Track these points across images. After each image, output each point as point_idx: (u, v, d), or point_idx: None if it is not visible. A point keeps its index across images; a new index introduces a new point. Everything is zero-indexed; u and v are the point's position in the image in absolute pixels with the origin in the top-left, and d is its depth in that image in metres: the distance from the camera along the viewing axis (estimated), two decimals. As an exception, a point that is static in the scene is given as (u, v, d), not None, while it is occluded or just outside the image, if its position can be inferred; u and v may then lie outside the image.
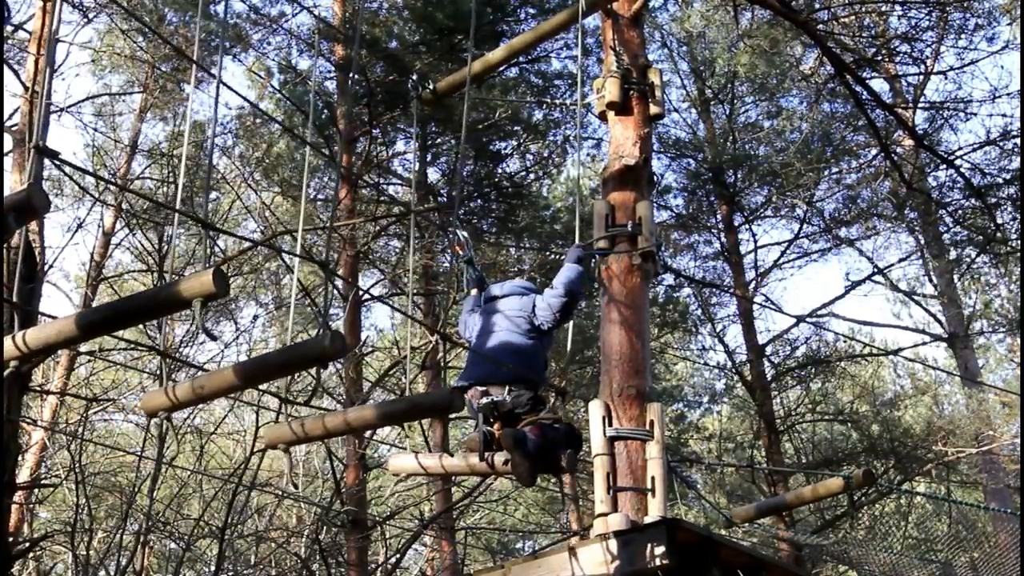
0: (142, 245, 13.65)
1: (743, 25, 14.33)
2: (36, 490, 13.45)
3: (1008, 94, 13.82)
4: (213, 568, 11.45)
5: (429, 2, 12.92)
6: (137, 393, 15.33)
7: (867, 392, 17.59)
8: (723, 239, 15.84)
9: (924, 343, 18.24)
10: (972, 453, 15.48)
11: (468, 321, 5.84)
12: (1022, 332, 17.75)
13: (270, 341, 17.32)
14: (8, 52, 11.86)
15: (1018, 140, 13.69)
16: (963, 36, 14.07)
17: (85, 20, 13.21)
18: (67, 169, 12.32)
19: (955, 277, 17.28)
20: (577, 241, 6.20)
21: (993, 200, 13.69)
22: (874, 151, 15.34)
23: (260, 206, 13.97)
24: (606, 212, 6.57)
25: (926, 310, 18.02)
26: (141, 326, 12.02)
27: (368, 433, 12.47)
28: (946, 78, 15.61)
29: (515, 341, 5.46)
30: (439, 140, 14.43)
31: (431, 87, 7.31)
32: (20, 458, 11.62)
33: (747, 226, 15.89)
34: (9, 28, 11.61)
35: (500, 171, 14.94)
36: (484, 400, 5.22)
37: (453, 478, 13.49)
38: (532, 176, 15.54)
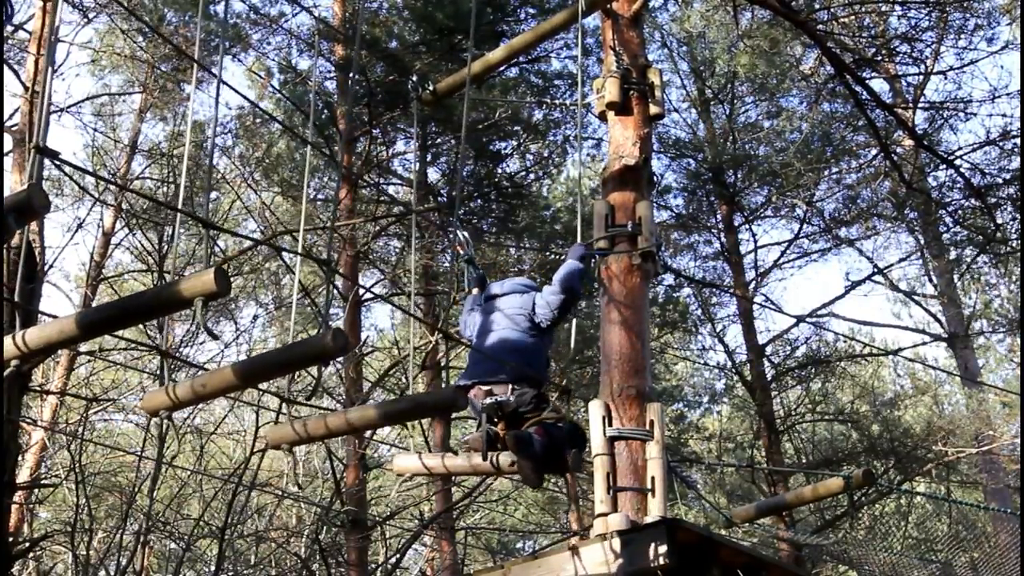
0: (142, 245, 13.66)
1: (743, 25, 14.32)
2: (36, 490, 13.46)
3: (1008, 94, 13.83)
4: (213, 568, 11.46)
5: (429, 2, 12.93)
6: (137, 393, 15.33)
7: (867, 392, 17.59)
8: (723, 239, 15.84)
9: (924, 343, 18.25)
10: (972, 453, 15.48)
11: (469, 320, 5.83)
12: (1022, 332, 17.75)
13: (270, 341, 17.33)
14: (8, 52, 11.86)
15: (1018, 140, 13.69)
16: (963, 36, 14.07)
17: (85, 20, 13.23)
18: (67, 169, 12.33)
19: (955, 277, 17.28)
20: (579, 241, 6.19)
21: (993, 200, 13.69)
22: (874, 151, 15.34)
23: (260, 206, 13.97)
24: (606, 212, 6.58)
25: (926, 310, 18.03)
26: (141, 326, 12.02)
27: (368, 433, 12.47)
28: (946, 78, 15.60)
29: (516, 339, 5.44)
30: (439, 140, 14.44)
31: (431, 88, 7.31)
32: (20, 458, 11.62)
33: (747, 226, 15.89)
34: (9, 28, 11.61)
35: (500, 171, 14.94)
36: (488, 400, 5.18)
37: (453, 478, 13.50)
38: (532, 176, 15.54)
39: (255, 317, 15.98)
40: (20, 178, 7.84)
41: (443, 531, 14.00)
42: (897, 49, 14.63)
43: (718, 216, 16.10)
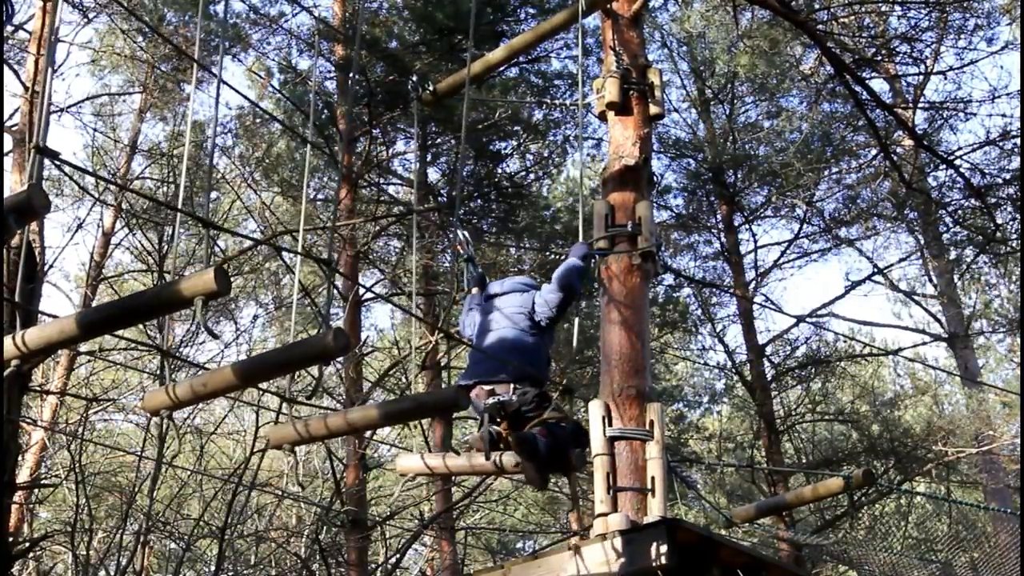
0: (142, 245, 13.66)
1: (743, 25, 14.33)
2: (36, 490, 13.46)
3: (1008, 94, 13.83)
4: (213, 568, 11.46)
5: (429, 2, 12.93)
6: (137, 393, 15.33)
7: (867, 392, 17.59)
8: (723, 239, 15.84)
9: (924, 343, 18.25)
10: (972, 453, 15.48)
11: (469, 320, 5.81)
12: (1022, 332, 17.75)
13: (270, 341, 17.33)
14: (8, 52, 11.86)
15: (1018, 140, 13.70)
16: (963, 36, 14.08)
17: (85, 20, 13.23)
18: (67, 169, 12.33)
19: (955, 277, 17.28)
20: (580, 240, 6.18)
21: (993, 200, 13.69)
22: (874, 151, 15.34)
23: (260, 206, 13.97)
24: (606, 212, 6.58)
25: (926, 310, 18.03)
26: (141, 326, 12.02)
27: (368, 433, 12.47)
28: (946, 78, 15.58)
29: (517, 338, 5.42)
30: (439, 140, 14.44)
31: (431, 88, 7.31)
32: (20, 458, 11.62)
33: (747, 226, 15.89)
34: (9, 28, 11.61)
35: (500, 171, 14.94)
36: (490, 400, 5.15)
37: (453, 478, 13.49)
38: (532, 176, 15.54)
39: (255, 317, 15.99)
40: (20, 178, 7.85)
41: (443, 531, 14.00)
42: (897, 49, 14.64)
43: (718, 216, 16.10)
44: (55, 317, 4.05)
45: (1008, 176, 13.92)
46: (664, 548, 5.23)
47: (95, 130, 14.78)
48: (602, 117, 7.01)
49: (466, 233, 6.14)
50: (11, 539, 10.68)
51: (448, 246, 14.10)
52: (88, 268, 14.39)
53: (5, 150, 8.54)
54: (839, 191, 16.18)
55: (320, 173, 14.24)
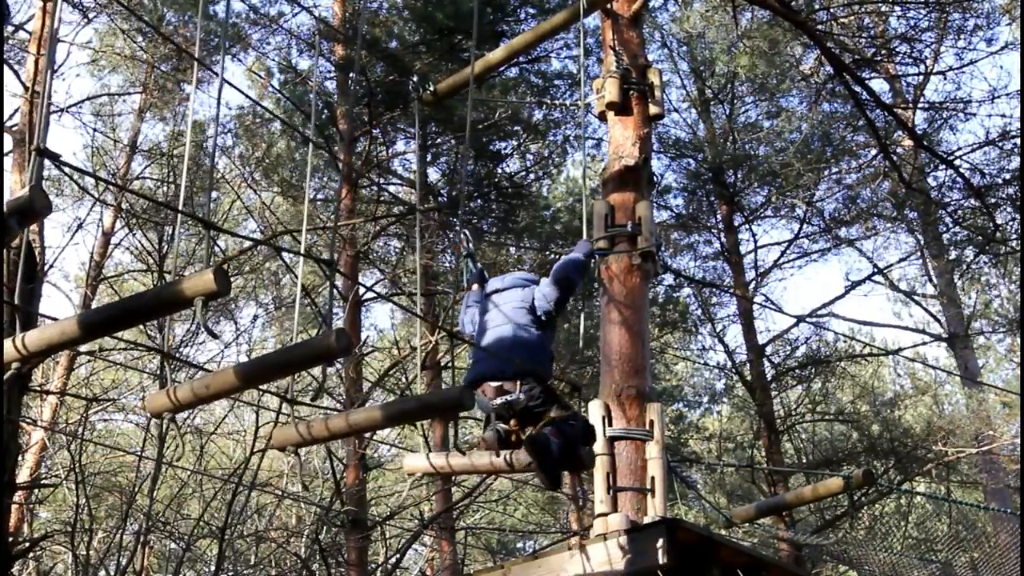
0: (142, 245, 13.65)
1: (743, 25, 14.33)
2: (36, 490, 13.45)
3: (1007, 94, 13.84)
4: (213, 568, 11.45)
5: (429, 2, 12.93)
6: (137, 393, 15.33)
7: (867, 392, 17.59)
8: (723, 239, 15.84)
9: (924, 343, 18.25)
10: (972, 453, 15.48)
11: (468, 316, 5.73)
12: (1022, 332, 17.75)
13: (270, 341, 17.33)
14: (8, 52, 11.86)
15: (1018, 140, 13.70)
16: (962, 37, 14.08)
17: (85, 20, 13.23)
18: (67, 169, 12.33)
19: (955, 277, 17.29)
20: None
21: (993, 200, 13.70)
22: (874, 151, 15.35)
23: (260, 206, 13.97)
24: (606, 212, 6.58)
25: (926, 310, 18.04)
26: (141, 326, 12.02)
27: (368, 433, 12.47)
28: (945, 78, 15.60)
29: (521, 334, 5.35)
30: (439, 140, 14.44)
31: (432, 89, 7.32)
32: (20, 458, 11.63)
33: (747, 226, 15.89)
34: (9, 28, 11.61)
35: (500, 171, 14.95)
36: (499, 399, 5.10)
37: (453, 478, 13.49)
38: (532, 176, 15.54)
39: (255, 317, 15.98)
40: (20, 178, 7.84)
41: (443, 531, 14.00)
42: (897, 49, 14.63)
43: (718, 216, 16.10)
44: (54, 319, 4.05)
45: (1008, 176, 13.93)
46: (664, 548, 5.24)
47: (95, 130, 14.78)
48: (602, 117, 7.02)
49: (467, 231, 6.12)
50: (11, 539, 10.68)
51: (448, 246, 14.11)
52: (88, 268, 14.39)
53: (5, 150, 8.54)
54: (839, 191, 16.20)
55: (320, 173, 14.24)
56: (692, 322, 17.04)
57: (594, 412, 6.14)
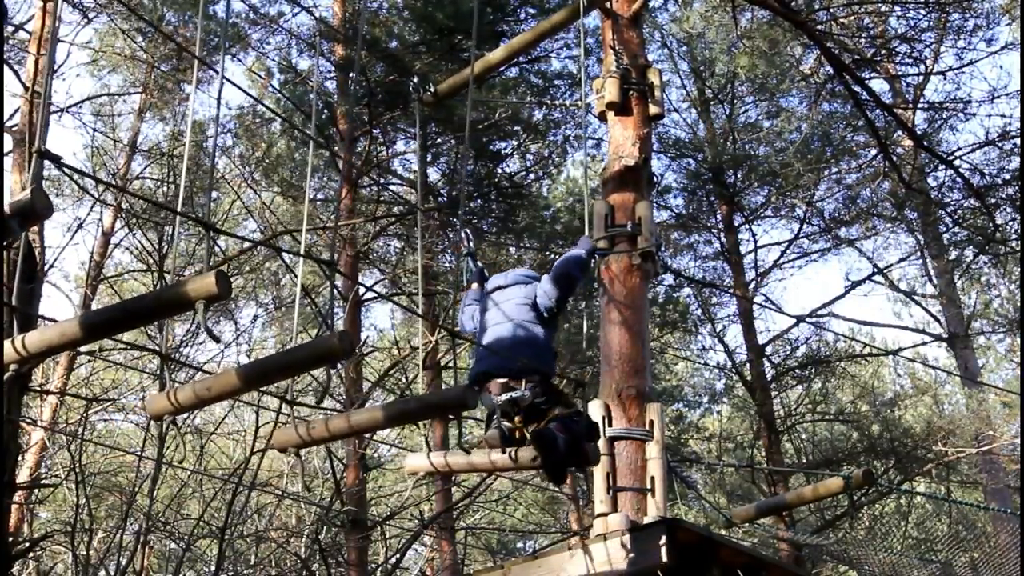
0: (142, 245, 13.65)
1: (742, 26, 14.34)
2: (36, 490, 13.45)
3: (1007, 94, 13.84)
4: (213, 568, 11.46)
5: (429, 2, 12.93)
6: (137, 393, 15.34)
7: (867, 392, 17.60)
8: (723, 239, 15.84)
9: (924, 343, 18.26)
10: (972, 453, 15.48)
11: (469, 314, 5.69)
12: (1022, 332, 17.75)
13: (270, 341, 17.33)
14: (8, 52, 11.86)
15: (1017, 140, 13.70)
16: (962, 37, 14.07)
17: (85, 20, 13.22)
18: (67, 170, 12.33)
19: (955, 277, 17.29)
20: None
21: (993, 200, 13.70)
22: (874, 151, 15.34)
23: (260, 206, 13.97)
24: (606, 212, 6.58)
25: (926, 310, 18.04)
26: (141, 327, 12.01)
27: (368, 433, 12.47)
28: (945, 78, 15.59)
29: (525, 331, 5.33)
30: (439, 140, 14.44)
31: (432, 90, 7.32)
32: (20, 458, 11.62)
33: (747, 226, 15.89)
34: (9, 28, 11.61)
35: (500, 171, 14.94)
36: (503, 396, 5.08)
37: (453, 478, 13.48)
38: (532, 176, 15.54)
39: (255, 317, 15.98)
40: (20, 178, 7.84)
41: (443, 531, 14.00)
42: (896, 49, 14.63)
43: (718, 216, 16.10)
44: (54, 321, 4.05)
45: (1008, 176, 13.93)
46: (664, 548, 5.24)
47: (95, 130, 14.78)
48: (602, 117, 7.02)
49: (468, 230, 6.11)
50: (11, 539, 10.68)
51: (448, 246, 14.11)
52: (88, 268, 14.39)
53: (5, 150, 8.54)
54: (839, 191, 16.21)
55: (320, 173, 14.24)
56: (692, 322, 17.05)
57: (594, 412, 6.14)
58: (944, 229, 16.46)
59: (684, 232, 16.55)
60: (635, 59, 6.97)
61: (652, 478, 6.02)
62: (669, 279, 16.41)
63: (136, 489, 11.76)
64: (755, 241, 15.99)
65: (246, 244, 13.40)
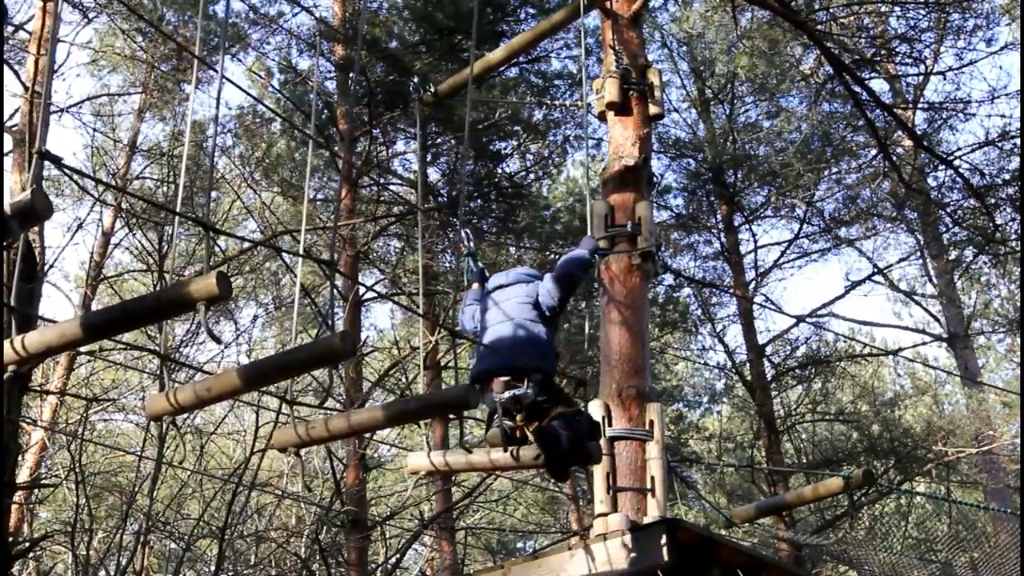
0: (142, 245, 13.65)
1: (742, 26, 14.34)
2: (36, 490, 13.45)
3: (1007, 94, 13.82)
4: (213, 568, 11.46)
5: (429, 2, 12.93)
6: (137, 393, 15.33)
7: (867, 392, 17.60)
8: (723, 239, 15.84)
9: (924, 343, 18.26)
10: (972, 453, 15.48)
11: (469, 313, 5.67)
12: (1022, 332, 17.75)
13: (270, 341, 17.33)
14: (8, 52, 11.86)
15: (1017, 140, 13.70)
16: (962, 37, 14.07)
17: (85, 20, 13.22)
18: (67, 170, 12.33)
19: (955, 277, 17.29)
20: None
21: (992, 200, 13.70)
22: (874, 151, 15.34)
23: (260, 206, 13.97)
24: (606, 212, 6.58)
25: (926, 310, 18.04)
26: (141, 327, 12.00)
27: (368, 433, 12.47)
28: (945, 79, 15.60)
29: (527, 330, 5.31)
30: (439, 140, 14.44)
31: (432, 90, 7.32)
32: (20, 458, 11.62)
33: (747, 226, 15.89)
34: (9, 28, 11.61)
35: (500, 171, 14.95)
36: (506, 394, 5.06)
37: (453, 478, 13.48)
38: (532, 176, 15.54)
39: (255, 317, 15.98)
40: (20, 178, 7.84)
41: (443, 531, 14.00)
42: (896, 49, 14.62)
43: (718, 216, 16.11)
44: (53, 321, 4.05)
45: (1008, 176, 13.92)
46: (664, 548, 5.24)
47: (95, 130, 14.78)
48: (602, 117, 7.02)
49: (468, 230, 6.10)
50: (11, 539, 10.68)
51: (448, 246, 14.10)
52: (88, 268, 14.39)
53: (5, 150, 8.54)
54: (839, 191, 16.21)
55: (320, 173, 14.24)
56: (692, 322, 17.05)
57: (594, 412, 6.14)
58: (944, 229, 16.46)
59: (684, 232, 16.56)
60: (635, 59, 6.97)
61: (652, 478, 6.03)
62: (669, 279, 16.43)
63: (136, 489, 11.77)
64: (755, 241, 16.01)
65: (246, 244, 13.40)
